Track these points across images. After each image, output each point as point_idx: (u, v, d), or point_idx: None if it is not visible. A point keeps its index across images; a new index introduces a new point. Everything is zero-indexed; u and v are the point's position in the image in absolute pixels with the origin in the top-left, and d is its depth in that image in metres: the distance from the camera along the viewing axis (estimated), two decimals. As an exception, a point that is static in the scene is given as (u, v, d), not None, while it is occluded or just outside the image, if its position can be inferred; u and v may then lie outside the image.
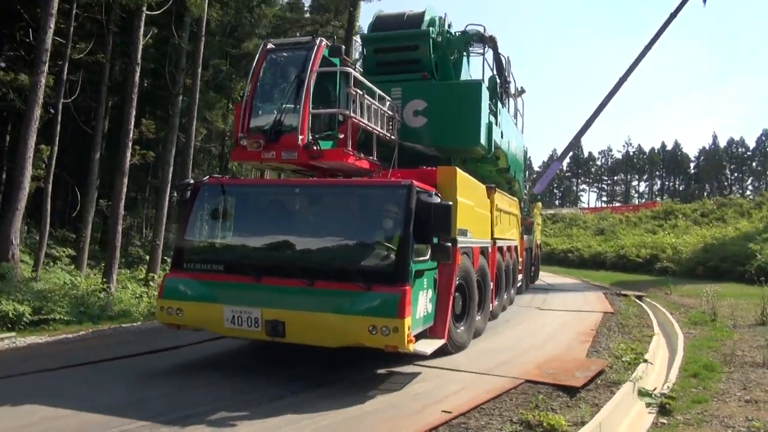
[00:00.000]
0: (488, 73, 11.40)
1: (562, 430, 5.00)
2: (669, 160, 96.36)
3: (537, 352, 8.51)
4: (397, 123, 9.44)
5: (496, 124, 11.06)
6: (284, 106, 7.67)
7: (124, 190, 15.76)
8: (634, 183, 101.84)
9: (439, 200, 6.73)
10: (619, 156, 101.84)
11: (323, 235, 6.94)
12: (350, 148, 7.77)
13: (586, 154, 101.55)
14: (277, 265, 6.71)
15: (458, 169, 8.17)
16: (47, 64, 12.97)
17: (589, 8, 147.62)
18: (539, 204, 24.70)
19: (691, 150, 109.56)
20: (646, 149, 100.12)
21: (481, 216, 9.66)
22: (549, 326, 11.41)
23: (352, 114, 7.75)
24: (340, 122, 8.02)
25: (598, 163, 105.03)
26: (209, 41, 20.90)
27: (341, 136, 7.69)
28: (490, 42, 11.19)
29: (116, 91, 21.66)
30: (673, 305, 15.24)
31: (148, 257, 19.07)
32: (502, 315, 12.27)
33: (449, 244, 6.71)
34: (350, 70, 8.19)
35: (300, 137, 7.36)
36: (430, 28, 10.34)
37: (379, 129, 8.61)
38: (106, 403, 5.50)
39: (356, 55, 10.63)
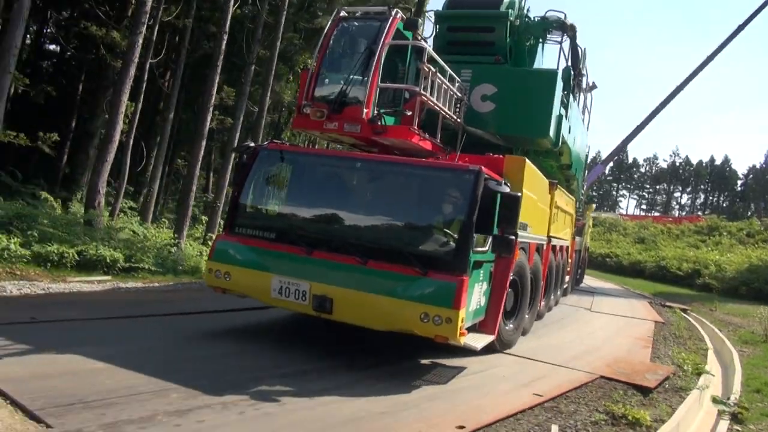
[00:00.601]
0: (562, 64, 10.89)
1: (646, 425, 5.39)
2: (716, 174, 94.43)
3: (600, 352, 8.89)
4: (465, 106, 9.07)
5: (566, 118, 10.55)
6: (352, 77, 7.39)
7: (202, 152, 16.36)
8: (677, 194, 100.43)
9: (508, 190, 6.37)
10: (664, 165, 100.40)
11: (381, 213, 6.68)
12: (415, 127, 7.46)
13: (630, 160, 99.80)
14: (331, 239, 6.48)
15: (527, 160, 7.77)
16: (145, 25, 13.69)
17: (654, 10, 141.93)
18: (593, 206, 23.93)
19: (741, 167, 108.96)
20: (694, 161, 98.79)
21: (541, 211, 9.26)
22: (604, 329, 11.71)
23: (421, 91, 7.42)
24: (406, 99, 7.70)
25: (642, 170, 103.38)
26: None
27: (409, 113, 7.36)
28: (570, 31, 10.65)
29: (193, 55, 22.31)
30: (719, 322, 15.17)
31: (205, 218, 19.56)
32: (551, 314, 12.26)
33: (513, 236, 6.36)
34: (424, 45, 7.84)
35: (365, 110, 7.08)
36: (509, 11, 9.89)
37: (446, 110, 8.26)
38: (152, 362, 5.46)
39: (425, 32, 10.35)
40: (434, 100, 7.78)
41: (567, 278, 14.75)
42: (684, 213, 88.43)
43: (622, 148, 30.28)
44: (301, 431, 4.39)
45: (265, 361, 6.13)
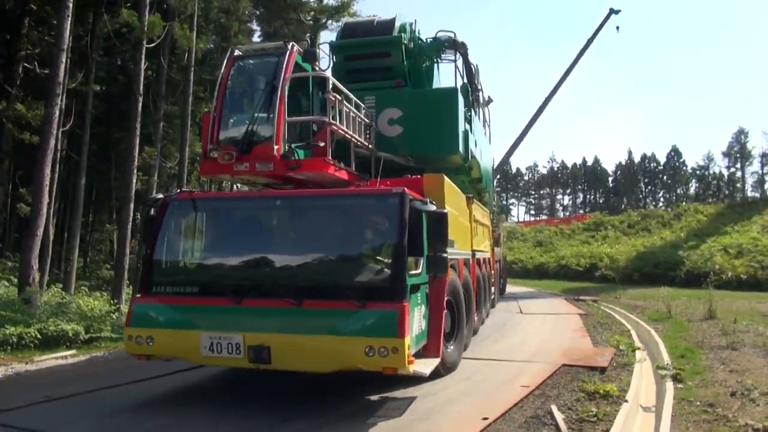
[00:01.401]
0: (459, 81, 11.17)
1: (615, 395, 6.49)
2: (589, 174, 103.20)
3: (551, 346, 10.18)
4: (374, 131, 9.02)
5: (471, 132, 10.77)
6: (256, 115, 7.16)
7: (131, 215, 16.46)
8: (559, 196, 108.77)
9: (434, 208, 6.30)
10: (544, 171, 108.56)
11: (309, 250, 6.39)
12: (329, 157, 7.29)
13: (514, 170, 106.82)
14: (260, 284, 6.13)
15: (445, 177, 7.78)
16: (61, 96, 14.10)
17: (516, 26, 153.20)
18: (504, 216, 24.83)
19: (609, 165, 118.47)
20: (569, 164, 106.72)
21: (463, 226, 9.32)
22: (543, 327, 13.01)
23: (330, 121, 7.28)
24: (314, 132, 7.54)
25: (526, 177, 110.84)
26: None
27: (321, 144, 7.18)
28: (461, 48, 10.98)
29: (98, 119, 22.79)
30: (627, 307, 17.14)
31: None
32: (495, 320, 13.61)
33: (445, 255, 6.27)
34: (327, 74, 7.75)
35: (276, 147, 6.85)
36: (402, 34, 10.02)
37: (357, 137, 8.16)
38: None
39: (322, 65, 10.36)
40: (344, 128, 7.67)
41: (493, 289, 14.97)
42: (568, 213, 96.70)
43: (506, 161, 32.07)
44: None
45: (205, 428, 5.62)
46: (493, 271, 15.16)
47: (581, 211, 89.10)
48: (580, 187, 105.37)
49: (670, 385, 6.95)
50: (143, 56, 16.90)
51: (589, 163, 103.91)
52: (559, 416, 5.75)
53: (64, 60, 13.64)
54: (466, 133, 10.18)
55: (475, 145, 11.43)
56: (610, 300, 19.63)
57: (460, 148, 9.72)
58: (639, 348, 9.60)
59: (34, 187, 13.64)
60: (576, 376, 7.59)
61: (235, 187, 18.63)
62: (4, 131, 18.71)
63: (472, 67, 11.97)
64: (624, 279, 27.68)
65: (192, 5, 19.48)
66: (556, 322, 13.98)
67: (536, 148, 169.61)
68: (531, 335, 11.71)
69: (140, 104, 16.62)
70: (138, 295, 6.59)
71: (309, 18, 23.99)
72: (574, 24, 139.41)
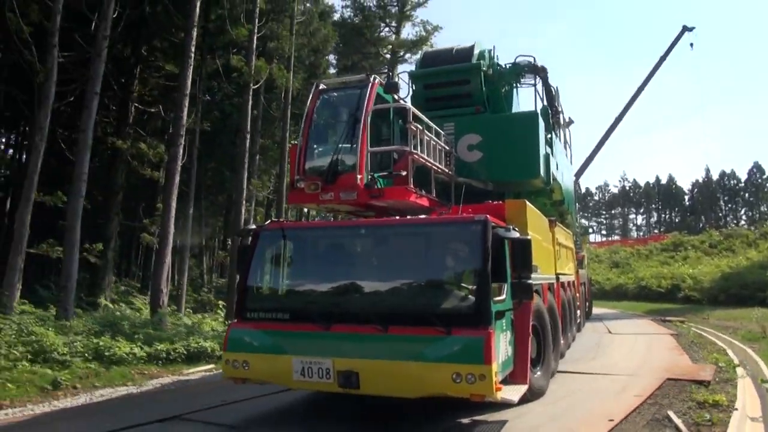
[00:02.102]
0: (539, 105, 11.13)
1: (725, 404, 6.97)
2: (664, 193, 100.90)
3: (651, 363, 10.43)
4: (453, 158, 9.15)
5: (552, 155, 10.70)
6: (340, 146, 7.45)
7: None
8: (632, 216, 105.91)
9: (517, 235, 6.32)
10: (615, 191, 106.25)
11: (394, 277, 6.53)
12: (411, 186, 7.47)
13: (583, 190, 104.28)
14: (347, 311, 6.32)
15: (527, 202, 7.77)
16: (183, 137, 16.26)
17: (586, 40, 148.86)
18: (588, 237, 24.30)
19: (685, 183, 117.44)
20: (641, 183, 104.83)
21: (546, 251, 9.21)
22: (637, 346, 13.13)
23: (411, 150, 7.47)
24: (395, 160, 7.75)
25: (596, 197, 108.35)
26: (278, 105, 24.44)
27: (404, 173, 7.38)
28: (541, 72, 10.96)
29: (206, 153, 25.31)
30: (717, 327, 16.90)
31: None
32: (588, 339, 14.06)
33: (530, 281, 6.26)
34: (408, 105, 7.97)
35: (359, 176, 7.11)
36: (481, 62, 10.15)
37: (438, 165, 8.31)
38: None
39: (402, 93, 10.84)
40: (425, 156, 7.83)
41: (578, 312, 14.58)
42: (641, 233, 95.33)
43: (576, 180, 31.45)
44: None
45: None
46: (577, 294, 14.78)
47: (656, 231, 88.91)
48: (654, 206, 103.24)
49: None
50: (250, 97, 18.51)
51: (663, 181, 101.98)
52: (677, 419, 6.32)
53: (186, 104, 15.52)
54: (547, 157, 10.11)
55: (557, 168, 11.33)
56: (697, 321, 19.23)
57: (541, 172, 9.67)
58: (738, 365, 9.69)
59: (162, 219, 15.49)
60: (683, 389, 8.03)
61: (313, 214, 19.98)
62: (119, 167, 20.55)
63: (552, 89, 11.90)
64: (709, 300, 26.80)
65: (289, 47, 21.29)
66: (648, 341, 14.01)
67: (606, 167, 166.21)
68: (627, 354, 11.92)
69: (248, 141, 18.24)
70: (234, 321, 6.97)
71: (386, 51, 25.20)
72: (647, 38, 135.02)
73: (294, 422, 6.95)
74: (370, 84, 7.65)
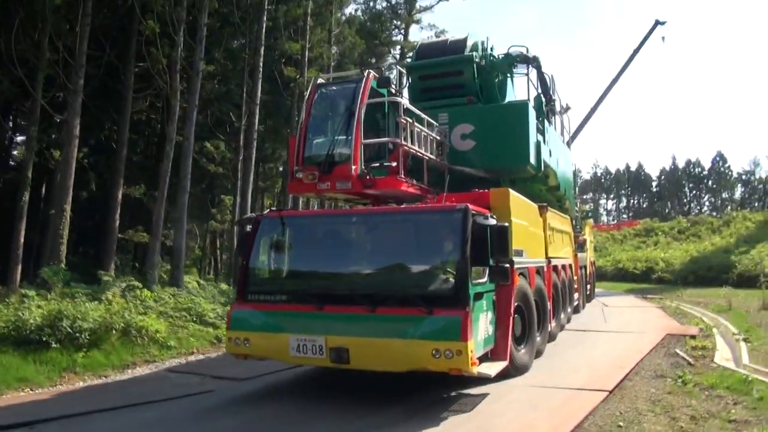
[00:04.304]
0: (533, 93, 11.45)
1: (709, 346, 10.13)
2: (633, 179, 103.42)
3: (649, 325, 13.59)
4: (446, 147, 9.57)
5: (544, 143, 11.04)
6: (336, 138, 7.90)
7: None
8: (602, 201, 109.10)
9: (494, 222, 6.78)
10: (588, 177, 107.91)
11: (382, 262, 7.08)
12: (402, 175, 7.93)
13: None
14: (339, 293, 6.87)
15: (511, 190, 8.20)
16: (255, 141, 20.06)
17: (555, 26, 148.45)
18: (590, 221, 24.70)
19: (653, 170, 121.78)
20: (612, 170, 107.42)
21: (535, 235, 9.63)
22: (633, 314, 16.20)
23: (402, 142, 7.92)
24: (390, 150, 8.19)
25: None
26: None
27: (394, 164, 7.84)
28: (534, 62, 11.26)
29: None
30: (691, 302, 19.33)
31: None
32: (594, 310, 16.93)
33: (507, 265, 6.74)
34: (399, 99, 8.35)
35: (353, 167, 7.56)
36: (474, 53, 10.49)
37: (428, 155, 8.75)
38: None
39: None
40: (416, 147, 8.28)
41: (576, 295, 14.98)
42: (611, 218, 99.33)
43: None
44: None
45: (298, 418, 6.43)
46: (575, 277, 15.16)
47: (624, 216, 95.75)
48: (623, 192, 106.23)
49: (742, 344, 10.17)
50: (295, 102, 20.82)
51: (633, 168, 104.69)
52: (681, 353, 9.62)
53: (257, 112, 19.40)
54: (538, 144, 10.48)
55: (550, 155, 11.67)
56: (673, 298, 21.53)
57: (532, 160, 10.04)
58: (713, 326, 12.71)
59: (241, 210, 19.08)
60: (680, 339, 11.09)
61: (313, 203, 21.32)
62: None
63: (547, 78, 12.20)
64: (680, 281, 29.64)
65: (327, 56, 24.02)
66: (641, 312, 17.17)
67: (580, 155, 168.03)
68: (629, 320, 14.80)
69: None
70: (236, 302, 7.54)
71: (396, 53, 28.19)
72: (615, 29, 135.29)
73: (296, 394, 7.55)
74: (365, 79, 8.07)
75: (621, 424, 5.86)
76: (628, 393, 7.11)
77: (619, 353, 9.68)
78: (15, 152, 23.43)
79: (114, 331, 9.75)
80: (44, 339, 8.86)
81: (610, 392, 7.04)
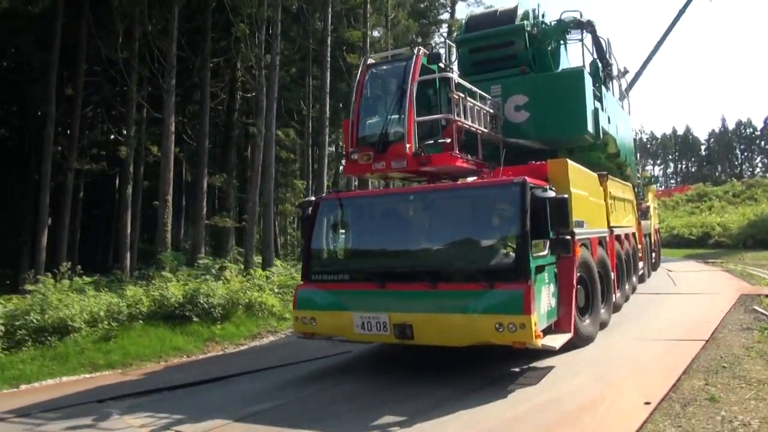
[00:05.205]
0: (588, 59, 11.14)
1: None
2: (681, 144, 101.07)
3: (723, 286, 13.81)
4: (500, 120, 9.47)
5: (602, 110, 10.75)
6: (389, 117, 7.94)
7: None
8: (648, 167, 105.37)
9: (553, 194, 6.70)
10: None
11: (441, 238, 7.13)
12: (456, 151, 7.91)
13: None
14: (400, 270, 6.99)
15: (569, 161, 8.05)
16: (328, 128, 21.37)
17: None
18: (653, 187, 23.97)
19: (701, 133, 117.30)
20: (658, 135, 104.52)
21: (595, 205, 9.44)
22: (703, 278, 16.15)
23: (456, 117, 7.89)
24: (443, 126, 8.18)
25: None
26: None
27: (448, 140, 7.84)
28: (588, 27, 10.92)
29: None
30: (754, 266, 19.11)
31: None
32: (664, 275, 16.88)
33: (568, 237, 6.67)
34: (450, 75, 8.29)
35: (407, 146, 7.59)
36: (524, 22, 10.26)
37: (482, 129, 8.69)
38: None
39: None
40: (469, 122, 8.23)
41: (641, 264, 14.61)
42: (658, 184, 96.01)
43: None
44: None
45: (368, 394, 6.55)
46: (639, 246, 14.77)
47: (672, 182, 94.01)
48: (670, 157, 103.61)
49: None
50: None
51: (680, 132, 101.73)
52: (760, 309, 10.07)
53: (327, 101, 20.54)
54: (595, 111, 10.22)
55: (609, 122, 11.36)
56: (736, 261, 21.28)
57: (590, 128, 9.81)
58: None
59: (316, 193, 19.24)
60: (755, 298, 11.38)
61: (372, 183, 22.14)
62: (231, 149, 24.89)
63: (602, 42, 11.82)
64: (738, 245, 29.16)
65: (384, 41, 25.02)
66: (708, 275, 16.99)
67: None
68: (698, 283, 14.92)
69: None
70: (301, 283, 7.77)
71: (444, 31, 29.28)
72: None
73: (363, 369, 7.77)
74: (414, 56, 8.06)
75: (725, 365, 6.75)
76: (722, 342, 7.92)
77: (701, 312, 10.31)
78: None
79: (240, 306, 11.28)
80: (186, 314, 10.44)
81: (707, 341, 7.89)
